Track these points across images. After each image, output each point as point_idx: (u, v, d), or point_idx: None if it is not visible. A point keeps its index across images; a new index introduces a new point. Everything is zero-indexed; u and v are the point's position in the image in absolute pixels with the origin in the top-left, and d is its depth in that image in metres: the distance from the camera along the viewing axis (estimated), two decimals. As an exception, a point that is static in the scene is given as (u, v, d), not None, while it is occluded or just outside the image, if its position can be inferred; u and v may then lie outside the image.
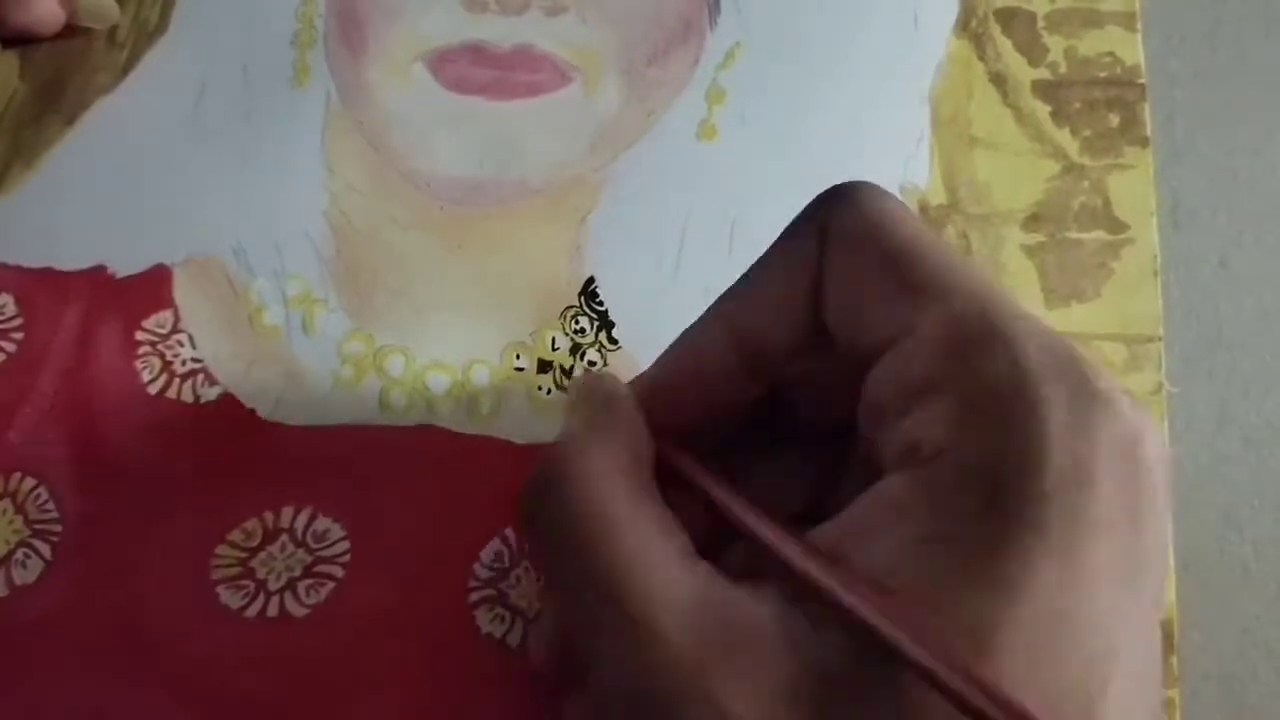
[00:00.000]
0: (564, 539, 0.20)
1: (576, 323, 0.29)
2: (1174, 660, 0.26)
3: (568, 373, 0.29)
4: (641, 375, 0.23)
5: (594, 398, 0.23)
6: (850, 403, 0.21)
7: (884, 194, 0.21)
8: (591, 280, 0.29)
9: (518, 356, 0.29)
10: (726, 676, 0.18)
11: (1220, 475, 0.29)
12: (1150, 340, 0.28)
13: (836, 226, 0.21)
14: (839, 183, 0.21)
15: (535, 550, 0.22)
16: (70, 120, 0.32)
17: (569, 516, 0.20)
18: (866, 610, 0.17)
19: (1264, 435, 0.29)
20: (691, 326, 0.23)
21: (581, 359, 0.29)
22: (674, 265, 0.29)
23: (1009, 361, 0.18)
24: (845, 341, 0.21)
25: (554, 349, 0.29)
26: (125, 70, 0.32)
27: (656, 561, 0.19)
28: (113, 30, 0.33)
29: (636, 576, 0.19)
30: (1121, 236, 0.29)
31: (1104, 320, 0.28)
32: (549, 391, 0.28)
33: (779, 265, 0.22)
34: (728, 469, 0.22)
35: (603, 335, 0.29)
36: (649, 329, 0.29)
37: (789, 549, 0.19)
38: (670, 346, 0.23)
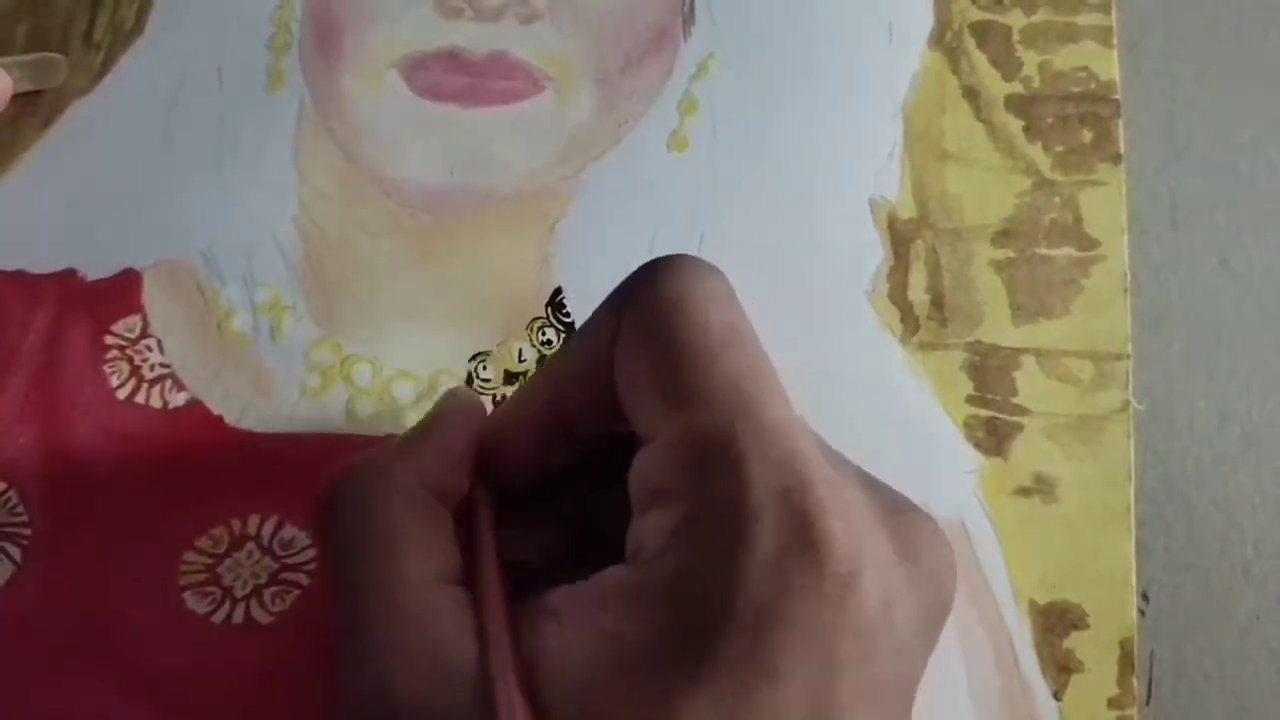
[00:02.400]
0: (338, 550, 0.21)
1: (543, 334, 0.29)
2: (1135, 679, 0.26)
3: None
4: (484, 421, 0.24)
5: (430, 414, 0.24)
6: None
7: (693, 274, 0.20)
8: (559, 291, 0.29)
9: (484, 367, 0.29)
10: (413, 699, 0.19)
11: (1220, 475, 0.29)
12: (1118, 358, 0.28)
13: (631, 309, 0.20)
14: (657, 258, 0.21)
15: (322, 554, 0.23)
16: (46, 122, 0.32)
17: (346, 528, 0.21)
18: (500, 703, 0.18)
19: (1264, 435, 0.29)
20: (521, 386, 0.24)
21: (549, 369, 0.29)
22: (643, 276, 0.29)
23: (730, 487, 0.18)
24: (631, 423, 0.21)
25: (520, 360, 0.29)
26: (101, 73, 0.32)
27: (398, 585, 0.20)
28: (89, 31, 0.33)
29: (374, 600, 0.20)
30: (1092, 253, 0.29)
31: (1072, 337, 0.29)
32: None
33: (586, 339, 0.22)
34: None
35: (570, 346, 0.29)
36: (617, 339, 0.29)
37: (490, 612, 0.20)
38: (506, 401, 0.24)
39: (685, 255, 0.21)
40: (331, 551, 0.22)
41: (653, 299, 0.20)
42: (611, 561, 0.20)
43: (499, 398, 0.29)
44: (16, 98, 0.32)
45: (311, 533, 0.27)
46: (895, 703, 0.19)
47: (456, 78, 0.31)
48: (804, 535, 0.17)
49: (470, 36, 0.31)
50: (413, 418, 0.28)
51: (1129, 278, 0.29)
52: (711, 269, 0.21)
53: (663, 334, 0.19)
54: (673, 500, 0.19)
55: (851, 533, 0.18)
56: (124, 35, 0.33)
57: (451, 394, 0.25)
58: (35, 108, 0.32)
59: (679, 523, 0.18)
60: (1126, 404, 0.28)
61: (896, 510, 0.20)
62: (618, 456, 0.22)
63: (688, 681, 0.17)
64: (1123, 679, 0.26)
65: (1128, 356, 0.28)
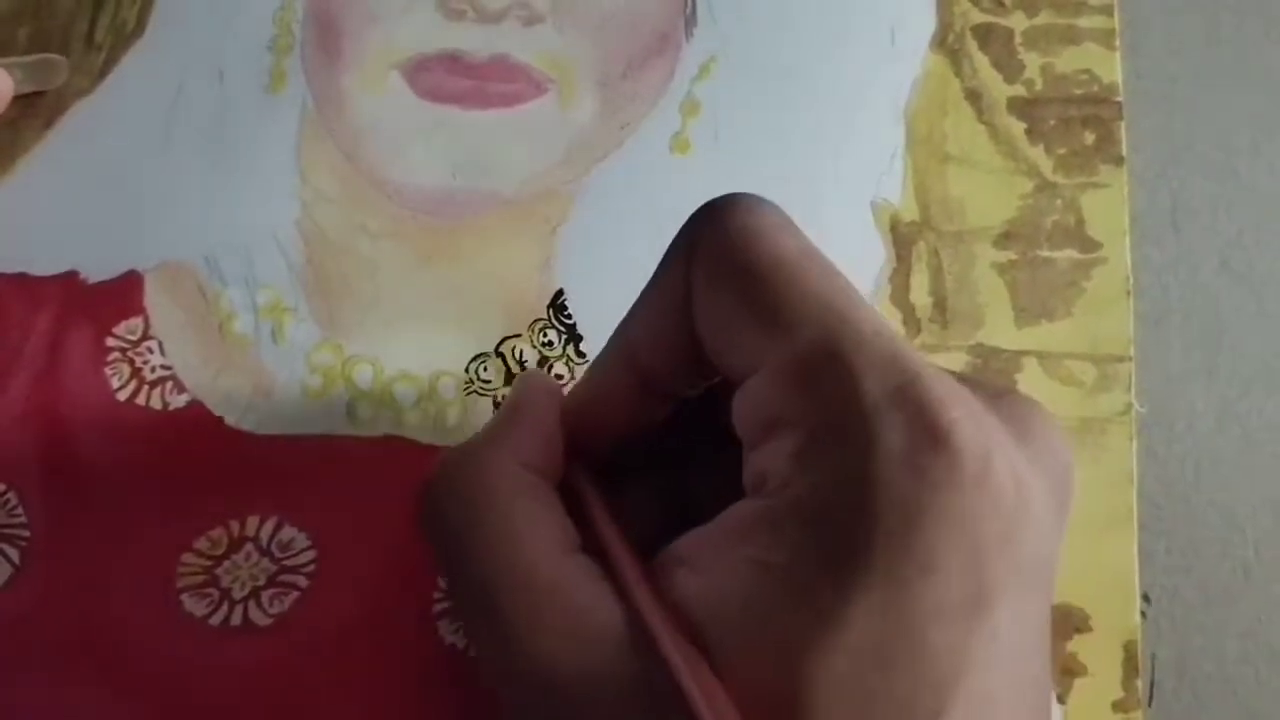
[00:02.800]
0: (454, 541, 0.21)
1: (544, 335, 0.29)
2: (1139, 682, 0.26)
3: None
4: (566, 398, 0.24)
5: (511, 397, 0.24)
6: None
7: (754, 208, 0.21)
8: (560, 293, 0.29)
9: (485, 368, 0.29)
10: (571, 680, 0.19)
11: (1220, 475, 0.29)
12: (1120, 360, 0.28)
13: (701, 247, 0.20)
14: (714, 198, 0.21)
15: (434, 546, 0.23)
16: (48, 124, 0.32)
17: (460, 518, 0.21)
18: (665, 647, 0.18)
19: (1264, 435, 0.29)
20: (599, 353, 0.24)
21: (550, 372, 0.29)
22: (644, 279, 0.29)
23: (847, 396, 0.18)
24: (718, 365, 0.21)
25: (521, 361, 0.29)
26: (103, 73, 0.32)
27: (527, 564, 0.20)
28: (90, 32, 0.33)
29: (504, 579, 0.20)
30: (1093, 255, 0.29)
31: (1074, 339, 0.28)
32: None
33: (657, 290, 0.22)
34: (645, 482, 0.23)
35: (570, 348, 0.29)
36: (619, 342, 0.29)
37: (626, 570, 0.20)
38: (586, 369, 0.24)
39: (740, 192, 0.21)
40: (447, 548, 0.22)
41: (722, 235, 0.20)
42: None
43: (499, 399, 0.28)
44: (17, 99, 0.32)
45: (312, 532, 0.27)
46: (1040, 581, 0.19)
47: (458, 80, 0.31)
48: (930, 427, 0.18)
49: (472, 39, 0.31)
50: (413, 418, 0.28)
51: (1131, 280, 0.29)
52: (766, 201, 0.21)
53: (741, 266, 0.20)
54: (789, 425, 0.19)
55: (974, 418, 0.18)
56: (125, 36, 0.33)
57: (526, 377, 0.25)
58: (36, 109, 0.32)
59: (801, 444, 0.18)
60: (1129, 406, 0.28)
61: (1000, 396, 0.20)
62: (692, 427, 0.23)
63: (846, 591, 0.17)
64: (1127, 682, 0.26)
65: (1130, 359, 0.28)
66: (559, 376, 0.29)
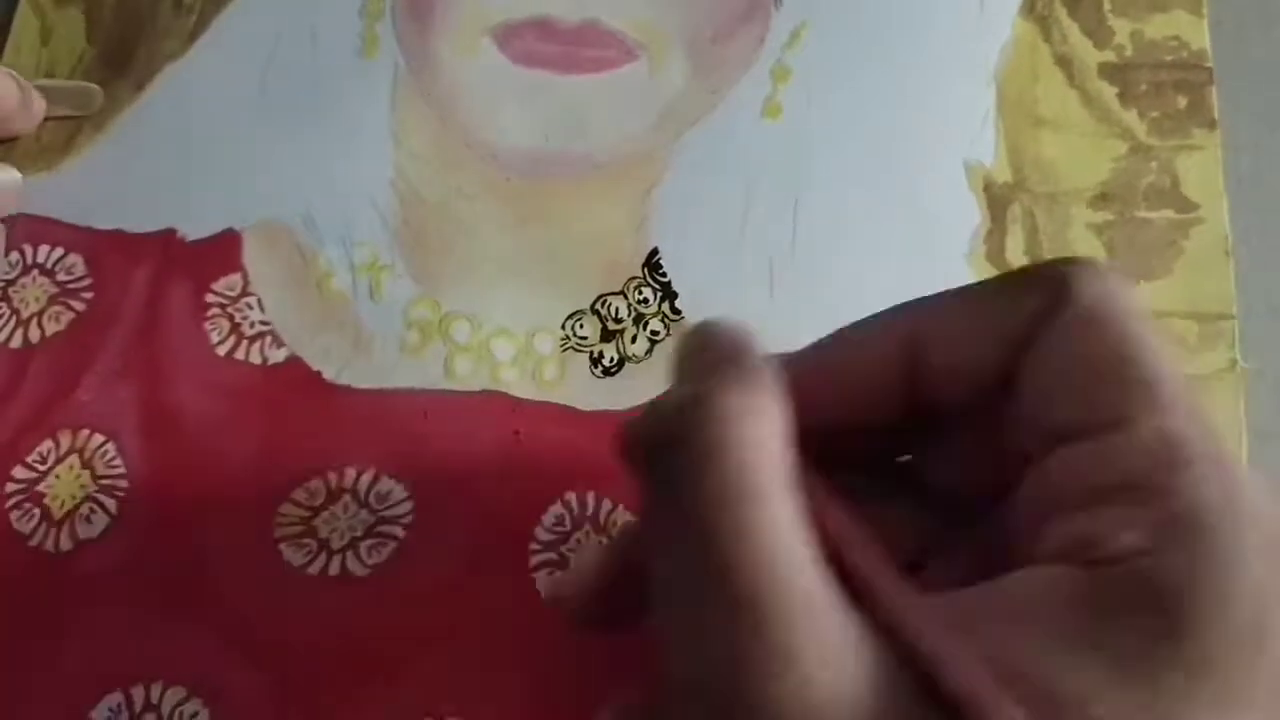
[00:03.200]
0: (695, 513, 0.17)
1: (640, 293, 0.29)
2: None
3: (633, 341, 0.29)
4: (790, 356, 0.21)
5: (736, 352, 0.19)
6: (990, 466, 0.20)
7: (1131, 284, 0.21)
8: (655, 251, 0.29)
9: (581, 325, 0.29)
10: (841, 708, 0.16)
11: None
12: (1222, 318, 0.28)
13: (1079, 293, 0.19)
14: (1084, 257, 0.20)
15: (653, 511, 0.19)
16: (139, 86, 0.32)
17: (711, 491, 0.17)
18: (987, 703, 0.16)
19: (1274, 430, 0.29)
20: (861, 322, 0.21)
21: (644, 329, 0.29)
22: (737, 240, 0.29)
23: (1222, 494, 0.17)
24: (1031, 409, 0.19)
25: (617, 318, 0.29)
26: (193, 36, 0.33)
27: (784, 560, 0.17)
28: (180, -2, 0.33)
29: (763, 569, 0.17)
30: (1191, 215, 0.29)
31: (1175, 298, 0.28)
32: (612, 360, 0.29)
33: (989, 305, 0.20)
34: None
35: (666, 306, 0.29)
36: (712, 301, 0.29)
37: (909, 613, 0.17)
38: (828, 336, 0.21)
39: (1111, 263, 0.21)
40: (682, 508, 0.18)
41: (1109, 296, 0.19)
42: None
43: (596, 354, 0.28)
44: (107, 54, 0.32)
45: (410, 484, 0.27)
46: None
47: (549, 46, 0.31)
48: None
49: (562, 5, 0.32)
50: (511, 374, 0.28)
51: (1230, 240, 0.29)
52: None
53: (1126, 333, 0.19)
54: (1140, 499, 0.18)
55: None
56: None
57: (725, 328, 0.20)
58: (127, 70, 0.32)
59: (1155, 523, 0.17)
60: (1234, 363, 0.28)
61: None
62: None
63: (1186, 694, 0.16)
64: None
65: (1232, 317, 0.28)
66: (654, 333, 0.29)
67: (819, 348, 0.22)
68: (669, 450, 0.18)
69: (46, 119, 0.31)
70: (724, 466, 0.17)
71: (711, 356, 0.19)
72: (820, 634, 0.17)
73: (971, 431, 0.21)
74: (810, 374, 0.20)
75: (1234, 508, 0.17)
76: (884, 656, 0.17)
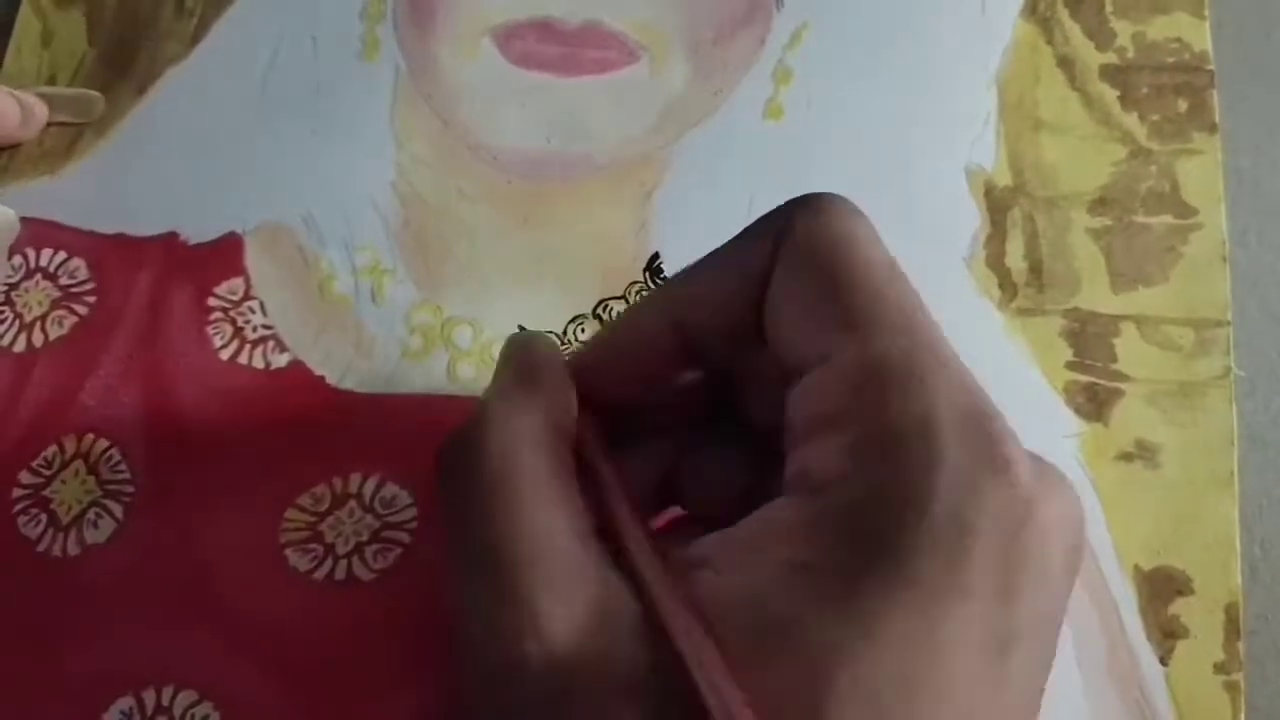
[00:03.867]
0: (469, 502, 0.21)
1: (642, 296, 0.29)
2: (1240, 645, 0.26)
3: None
4: (578, 350, 0.24)
5: (523, 359, 0.23)
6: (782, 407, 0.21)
7: (852, 212, 0.21)
8: (656, 255, 0.30)
9: (583, 329, 0.29)
10: (581, 659, 0.18)
11: None
12: (1218, 325, 0.28)
13: (796, 236, 0.20)
14: (811, 193, 0.21)
15: (445, 506, 0.22)
16: (141, 89, 0.32)
17: (479, 480, 0.21)
18: (682, 641, 0.18)
19: (1272, 434, 0.29)
20: (629, 309, 0.23)
21: (646, 333, 0.29)
22: (739, 242, 0.30)
23: (917, 409, 0.18)
24: (777, 353, 0.21)
25: (619, 323, 0.29)
26: (195, 39, 0.33)
27: (546, 535, 0.20)
28: None
29: (524, 548, 0.19)
30: (1190, 221, 0.29)
31: (1171, 304, 0.28)
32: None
33: (731, 260, 0.22)
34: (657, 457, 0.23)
35: (668, 310, 0.29)
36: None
37: (645, 560, 0.19)
38: (606, 326, 0.24)
39: (838, 195, 0.21)
40: (463, 507, 0.21)
41: (820, 230, 0.20)
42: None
43: (598, 361, 0.29)
44: (109, 57, 0.32)
45: (414, 490, 0.27)
46: (1051, 635, 0.19)
47: (550, 47, 0.31)
48: (994, 455, 0.18)
49: (562, 5, 0.32)
50: (513, 379, 0.28)
51: (1228, 246, 0.29)
52: (860, 210, 0.21)
53: (833, 263, 0.20)
54: (846, 424, 0.19)
55: (1029, 462, 0.18)
56: (216, 1, 0.33)
57: (528, 339, 0.24)
58: (128, 73, 0.32)
59: (859, 444, 0.18)
60: (1228, 370, 0.28)
61: (1037, 458, 0.20)
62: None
63: (889, 603, 0.17)
64: (1229, 644, 0.26)
65: (1228, 323, 0.28)
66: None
67: (602, 339, 0.24)
68: (450, 452, 0.22)
69: (48, 125, 0.31)
70: (487, 458, 0.20)
71: (500, 368, 0.23)
72: (568, 595, 0.19)
73: (759, 376, 0.22)
74: (598, 363, 0.23)
75: (928, 415, 0.18)
76: (631, 608, 0.19)
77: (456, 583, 0.21)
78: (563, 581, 0.19)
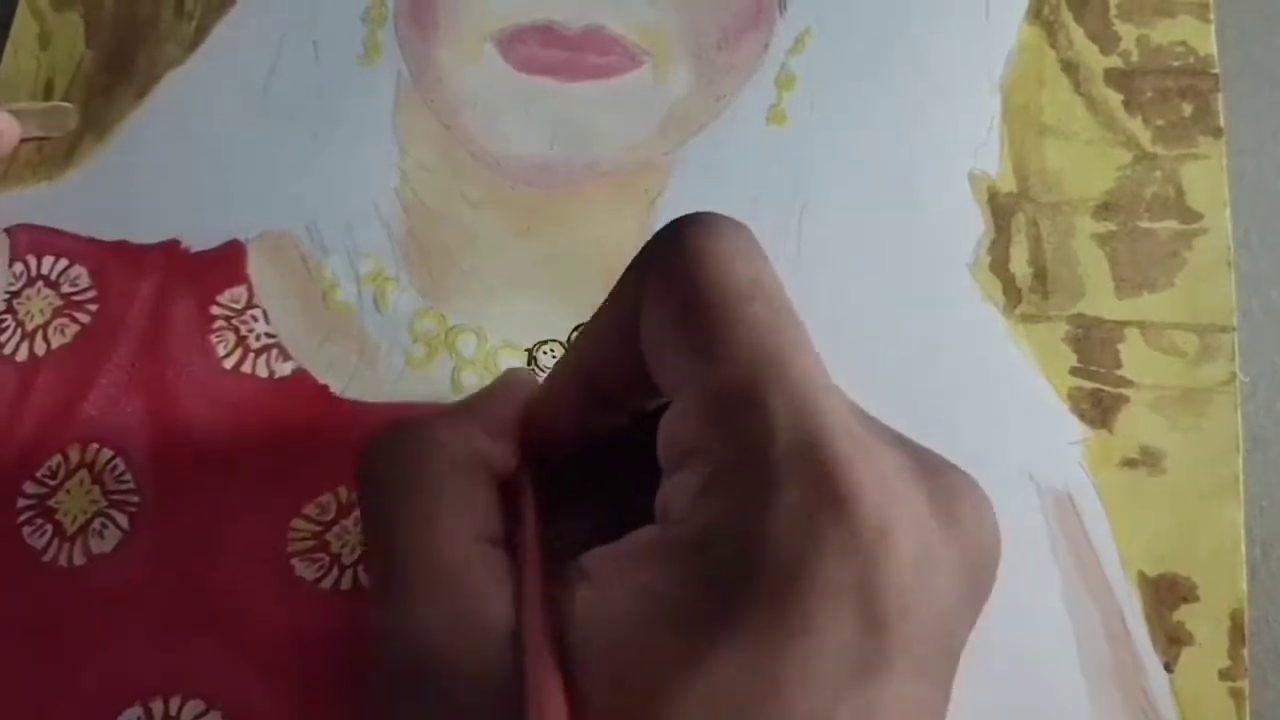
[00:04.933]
0: (378, 488, 0.22)
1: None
2: (1245, 651, 0.26)
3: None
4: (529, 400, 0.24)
5: (492, 383, 0.24)
6: None
7: (715, 230, 0.20)
8: (661, 262, 0.29)
9: (588, 337, 0.29)
10: (443, 648, 0.19)
11: None
12: (1223, 330, 0.28)
13: (655, 265, 0.20)
14: (680, 217, 0.21)
15: (360, 500, 0.23)
16: (141, 93, 0.32)
17: (389, 479, 0.21)
18: (528, 661, 0.18)
19: (1274, 436, 0.29)
20: (554, 364, 0.24)
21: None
22: (743, 249, 0.29)
23: (755, 441, 0.18)
24: (657, 385, 0.20)
25: (624, 330, 0.29)
26: (194, 43, 0.32)
27: (439, 526, 0.20)
28: (180, 1, 0.33)
29: (417, 538, 0.20)
30: (1194, 226, 0.29)
31: (1176, 309, 0.28)
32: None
33: (613, 304, 0.21)
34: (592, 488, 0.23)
35: (672, 317, 0.29)
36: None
37: (526, 575, 0.20)
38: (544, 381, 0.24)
39: (709, 212, 0.20)
40: (371, 505, 0.22)
41: (675, 255, 0.20)
42: None
43: (603, 368, 0.29)
44: (107, 60, 0.32)
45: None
46: (934, 665, 0.18)
47: (553, 52, 0.31)
48: (831, 488, 0.17)
49: (565, 9, 0.31)
50: (518, 387, 0.28)
51: (1232, 251, 0.29)
52: (736, 225, 0.20)
53: (685, 289, 0.19)
54: (699, 458, 0.18)
55: (882, 488, 0.17)
56: (216, 5, 0.33)
57: (511, 372, 0.25)
58: (128, 77, 0.32)
59: (706, 479, 0.18)
60: (1233, 376, 0.28)
61: (936, 471, 0.19)
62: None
63: (717, 636, 0.17)
64: (1234, 651, 0.26)
65: (1233, 329, 0.28)
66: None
67: (531, 400, 0.24)
68: (371, 450, 0.22)
69: (22, 141, 0.31)
70: (403, 458, 0.21)
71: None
72: (452, 597, 0.19)
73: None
74: (529, 425, 0.23)
75: (763, 447, 0.18)
76: (506, 618, 0.19)
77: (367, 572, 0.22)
78: (441, 587, 0.20)
